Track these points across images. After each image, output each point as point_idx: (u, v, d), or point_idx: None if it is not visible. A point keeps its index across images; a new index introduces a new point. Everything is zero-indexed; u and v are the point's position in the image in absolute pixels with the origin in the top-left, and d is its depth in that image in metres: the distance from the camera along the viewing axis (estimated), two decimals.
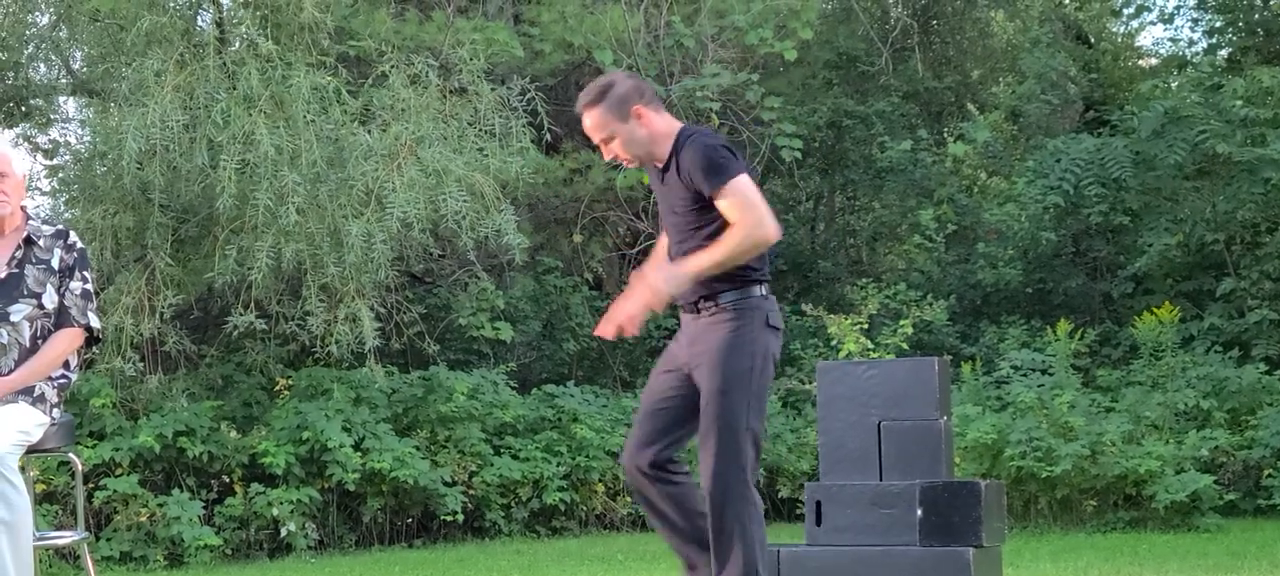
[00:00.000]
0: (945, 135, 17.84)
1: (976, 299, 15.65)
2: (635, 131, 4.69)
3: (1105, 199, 13.74)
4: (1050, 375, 11.49)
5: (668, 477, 4.76)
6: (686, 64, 13.62)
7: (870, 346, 11.55)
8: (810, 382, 12.26)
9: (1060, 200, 13.77)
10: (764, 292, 4.69)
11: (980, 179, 18.80)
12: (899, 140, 15.94)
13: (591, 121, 4.72)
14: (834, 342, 11.91)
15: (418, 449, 11.02)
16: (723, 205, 4.50)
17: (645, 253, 4.98)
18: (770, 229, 4.48)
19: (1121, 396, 11.68)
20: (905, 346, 11.91)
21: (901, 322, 12.32)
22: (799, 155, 13.57)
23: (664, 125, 4.72)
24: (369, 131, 10.35)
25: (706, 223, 4.62)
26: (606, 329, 4.63)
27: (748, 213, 4.47)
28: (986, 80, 19.35)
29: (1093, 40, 18.34)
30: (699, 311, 4.70)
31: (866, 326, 12.07)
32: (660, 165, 4.73)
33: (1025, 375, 11.60)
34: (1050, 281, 15.31)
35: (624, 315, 4.60)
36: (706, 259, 4.51)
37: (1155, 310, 12.56)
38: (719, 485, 4.56)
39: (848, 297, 14.80)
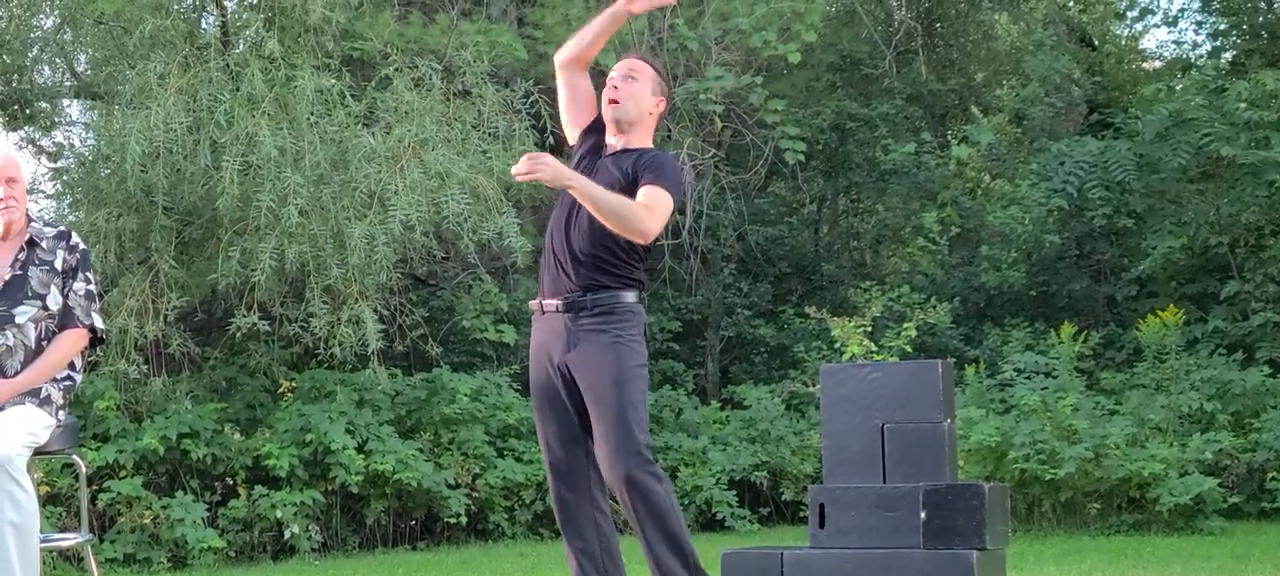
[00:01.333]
0: (949, 138, 17.84)
1: (980, 301, 15.65)
2: (646, 102, 4.94)
3: (1109, 202, 13.72)
4: (1054, 378, 11.48)
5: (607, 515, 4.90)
6: (690, 67, 13.60)
7: (874, 349, 11.54)
8: (814, 385, 12.25)
9: (1064, 203, 13.76)
10: (642, 299, 4.85)
11: (984, 181, 18.80)
12: (903, 143, 15.92)
13: (640, 68, 4.95)
14: (837, 345, 11.90)
15: (421, 451, 11.02)
16: (642, 191, 4.71)
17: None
18: (650, 228, 4.68)
19: (1125, 399, 11.67)
20: (909, 349, 11.89)
21: (905, 325, 12.31)
22: (802, 158, 13.56)
23: (650, 131, 5.01)
24: (372, 133, 10.35)
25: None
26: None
27: (652, 206, 4.69)
28: (990, 83, 19.34)
29: (1096, 43, 18.31)
30: (581, 311, 4.71)
31: (870, 329, 12.05)
32: (614, 147, 4.91)
33: (1029, 378, 11.59)
34: (1054, 284, 15.29)
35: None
36: (599, 191, 4.62)
37: (1159, 313, 12.54)
38: (632, 462, 4.64)
39: (851, 300, 14.79)
